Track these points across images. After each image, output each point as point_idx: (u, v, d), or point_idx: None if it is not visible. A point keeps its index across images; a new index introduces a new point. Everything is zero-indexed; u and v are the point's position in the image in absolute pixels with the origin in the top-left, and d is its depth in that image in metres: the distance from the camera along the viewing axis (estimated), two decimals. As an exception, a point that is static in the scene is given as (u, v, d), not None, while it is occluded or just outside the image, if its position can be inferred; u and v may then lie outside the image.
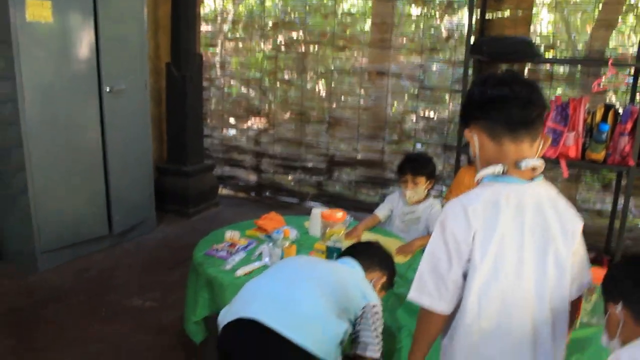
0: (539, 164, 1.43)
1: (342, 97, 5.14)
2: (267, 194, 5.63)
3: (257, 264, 2.43)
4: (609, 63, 3.41)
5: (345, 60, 5.07)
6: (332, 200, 5.35)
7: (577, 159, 3.56)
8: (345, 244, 2.50)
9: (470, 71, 3.84)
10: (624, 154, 3.46)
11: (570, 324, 1.58)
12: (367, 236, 2.90)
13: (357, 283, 1.89)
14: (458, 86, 4.60)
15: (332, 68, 5.11)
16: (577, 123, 3.53)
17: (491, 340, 1.46)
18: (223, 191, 5.61)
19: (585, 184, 4.35)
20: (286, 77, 5.35)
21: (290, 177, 5.55)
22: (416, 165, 3.06)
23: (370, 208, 5.13)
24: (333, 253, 2.42)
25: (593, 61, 4.02)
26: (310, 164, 5.41)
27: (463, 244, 1.43)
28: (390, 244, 2.68)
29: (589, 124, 3.56)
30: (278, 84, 5.38)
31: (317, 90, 5.27)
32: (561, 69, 4.25)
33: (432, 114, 4.86)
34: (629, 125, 3.41)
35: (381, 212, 3.19)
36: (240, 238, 2.76)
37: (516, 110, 1.40)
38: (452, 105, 4.73)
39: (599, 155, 3.52)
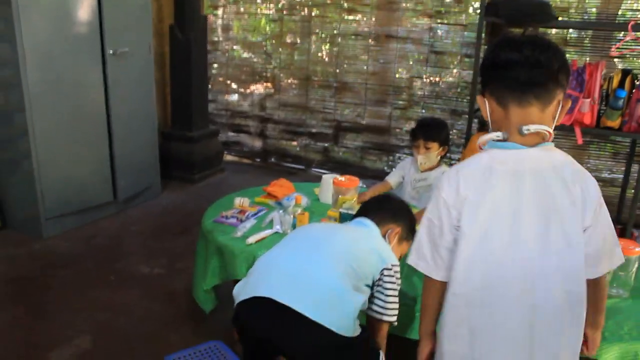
0: (544, 129, 1.33)
1: (349, 62, 5.03)
2: (273, 160, 5.57)
3: (268, 232, 2.37)
4: (629, 26, 3.30)
5: (352, 23, 4.94)
6: (338, 167, 5.30)
7: (592, 126, 3.48)
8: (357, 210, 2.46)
9: (483, 35, 3.72)
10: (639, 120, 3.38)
11: (594, 306, 1.46)
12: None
13: (373, 246, 1.83)
14: (468, 50, 4.50)
15: (338, 32, 4.98)
16: (593, 89, 3.44)
17: (479, 313, 1.40)
18: (227, 157, 5.54)
19: (596, 153, 4.29)
20: (290, 40, 5.22)
21: (295, 143, 5.47)
22: (428, 130, 2.99)
23: (376, 175, 5.11)
24: (346, 219, 2.36)
25: (612, 25, 3.90)
26: (315, 130, 5.34)
27: (453, 209, 1.39)
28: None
29: (605, 90, 3.47)
30: (282, 48, 5.26)
31: (322, 54, 5.15)
32: (573, 34, 4.13)
33: (440, 79, 4.75)
34: (646, 91, 3.33)
35: (392, 178, 3.13)
36: (249, 205, 2.70)
37: (521, 73, 1.32)
38: (461, 70, 4.63)
39: (615, 122, 3.43)
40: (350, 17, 4.92)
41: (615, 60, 4.06)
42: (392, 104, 4.98)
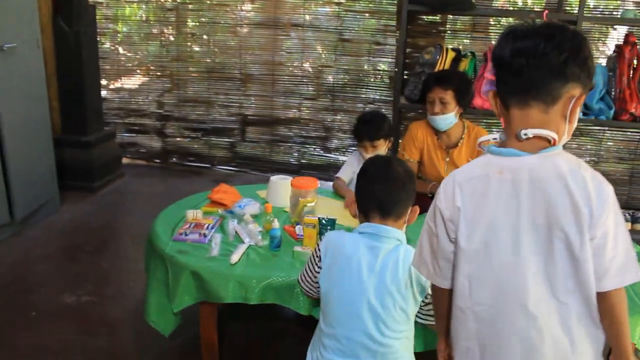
0: (544, 134, 1.20)
1: (254, 52, 4.80)
2: (174, 160, 5.18)
3: (243, 246, 2.15)
4: (544, 15, 3.46)
5: (254, 11, 4.71)
6: (246, 163, 5.08)
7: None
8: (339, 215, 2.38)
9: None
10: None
11: (608, 330, 1.27)
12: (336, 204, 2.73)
13: (404, 264, 1.65)
14: (380, 38, 4.49)
15: (240, 20, 4.72)
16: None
17: (487, 330, 1.31)
18: (124, 160, 5.05)
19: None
20: (188, 30, 4.86)
21: (199, 140, 5.13)
22: (371, 129, 2.90)
23: (287, 169, 4.97)
24: (327, 227, 2.21)
25: (529, 12, 4.06)
26: (221, 125, 5.04)
27: (449, 222, 1.30)
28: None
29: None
30: (179, 39, 4.88)
31: (226, 44, 4.85)
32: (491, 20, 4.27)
33: (352, 68, 4.70)
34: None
35: (345, 174, 2.99)
36: (203, 217, 2.44)
37: (515, 70, 1.20)
38: (371, 58, 4.61)
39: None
40: (253, 5, 4.68)
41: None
42: (301, 95, 4.84)
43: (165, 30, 4.88)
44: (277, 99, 4.88)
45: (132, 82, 5.07)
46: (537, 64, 1.18)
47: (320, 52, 4.73)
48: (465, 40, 4.27)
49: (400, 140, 3.28)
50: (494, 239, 1.25)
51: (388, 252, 1.64)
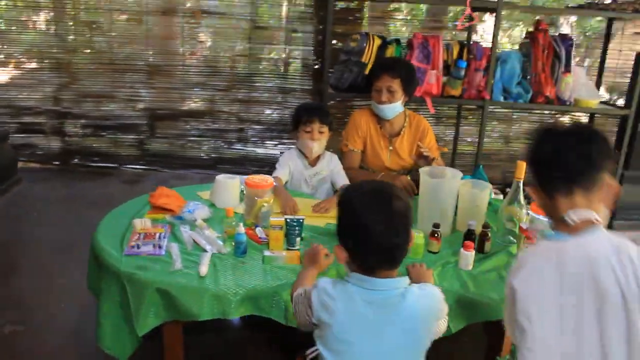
0: (590, 216, 1.34)
1: (161, 42, 4.48)
2: (76, 161, 4.72)
3: (207, 255, 1.97)
4: (467, 2, 3.52)
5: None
6: (157, 161, 4.78)
7: (438, 95, 3.68)
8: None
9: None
10: (480, 88, 3.69)
11: None
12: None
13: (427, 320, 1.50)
14: (295, 25, 4.37)
15: (145, 7, 4.38)
16: (437, 61, 3.63)
17: None
18: (18, 164, 4.52)
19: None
20: (86, 19, 4.42)
21: (103, 139, 4.72)
22: (322, 113, 2.79)
23: (202, 164, 4.72)
24: (295, 228, 2.08)
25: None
26: (127, 121, 4.67)
27: (518, 301, 1.33)
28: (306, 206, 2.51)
29: (446, 61, 3.69)
30: (76, 28, 4.43)
31: (129, 33, 4.48)
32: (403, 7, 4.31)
33: (268, 57, 4.55)
34: (483, 62, 3.64)
35: (282, 173, 2.82)
36: (152, 225, 2.20)
37: (565, 167, 1.37)
38: (287, 46, 4.49)
39: (457, 90, 3.70)
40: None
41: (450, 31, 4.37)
42: (213, 86, 4.61)
43: (58, 17, 4.40)
44: (188, 91, 4.62)
45: (20, 76, 4.53)
46: (584, 161, 1.36)
47: (234, 41, 4.51)
48: (382, 27, 4.29)
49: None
50: (555, 326, 1.30)
51: (390, 307, 1.42)
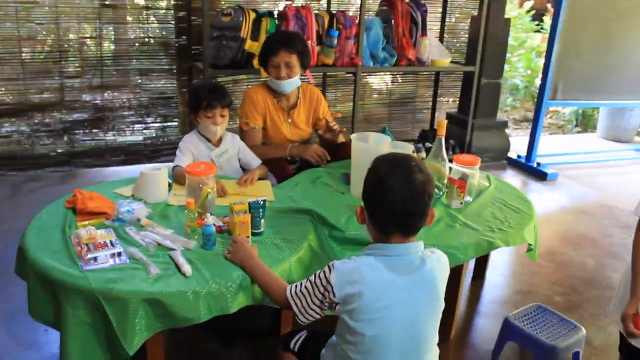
0: None
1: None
2: None
3: (177, 253, 1.86)
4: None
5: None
6: (2, 164, 4.19)
7: (314, 65, 3.78)
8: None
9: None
10: (352, 55, 3.87)
11: None
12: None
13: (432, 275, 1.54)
14: (150, 2, 4.11)
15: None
16: (311, 31, 3.72)
17: None
18: None
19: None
20: None
21: None
22: (222, 96, 2.71)
23: (57, 161, 4.24)
24: (259, 209, 2.06)
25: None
26: (-43, 122, 4.01)
27: None
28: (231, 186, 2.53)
29: (317, 32, 3.79)
30: None
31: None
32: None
33: (120, 37, 4.21)
34: (353, 30, 3.81)
35: (184, 160, 2.66)
36: (98, 233, 1.99)
37: None
38: (141, 25, 4.20)
39: (330, 59, 3.84)
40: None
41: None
42: (61, 73, 4.15)
43: None
44: (31, 82, 4.09)
45: None
46: None
47: (81, 22, 4.08)
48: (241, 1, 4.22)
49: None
50: None
51: (412, 271, 1.48)
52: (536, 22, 8.12)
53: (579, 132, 7.02)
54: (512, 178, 4.70)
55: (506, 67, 5.47)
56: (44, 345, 2.29)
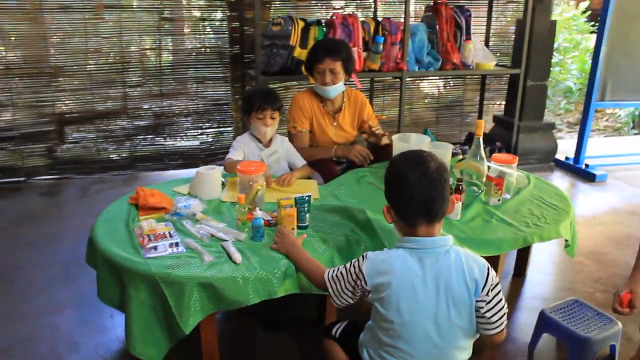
0: None
1: (62, 40, 4.21)
2: (-23, 179, 4.32)
3: (229, 244, 2.03)
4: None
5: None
6: (71, 168, 4.52)
7: (361, 70, 3.92)
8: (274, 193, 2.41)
9: None
10: (397, 60, 3.99)
11: None
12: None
13: (457, 270, 1.56)
14: (204, 13, 4.35)
15: (41, 3, 4.08)
16: (357, 38, 3.86)
17: None
18: None
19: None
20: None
21: (4, 152, 4.35)
22: (273, 99, 2.90)
23: (119, 165, 4.54)
24: (304, 204, 2.21)
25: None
26: (32, 129, 4.35)
27: None
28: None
29: (363, 38, 3.92)
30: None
31: (25, 33, 4.15)
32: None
33: (178, 48, 4.47)
34: (398, 36, 3.92)
35: (236, 155, 2.88)
36: (156, 225, 2.19)
37: None
38: (197, 35, 4.45)
39: (376, 64, 3.96)
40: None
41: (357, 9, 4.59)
42: (124, 83, 4.44)
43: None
44: (97, 91, 4.40)
45: None
46: None
47: (141, 34, 4.38)
48: (291, 11, 4.41)
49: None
50: None
51: (438, 264, 1.54)
52: (592, 23, 7.93)
53: (635, 134, 6.86)
54: (560, 180, 4.67)
55: (558, 69, 5.43)
56: (110, 329, 2.51)
